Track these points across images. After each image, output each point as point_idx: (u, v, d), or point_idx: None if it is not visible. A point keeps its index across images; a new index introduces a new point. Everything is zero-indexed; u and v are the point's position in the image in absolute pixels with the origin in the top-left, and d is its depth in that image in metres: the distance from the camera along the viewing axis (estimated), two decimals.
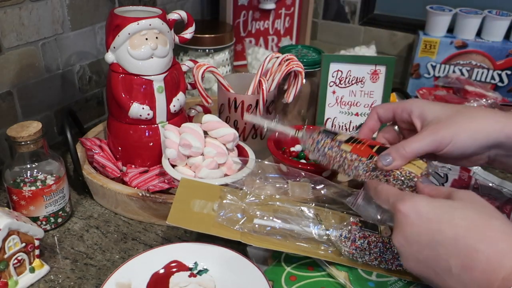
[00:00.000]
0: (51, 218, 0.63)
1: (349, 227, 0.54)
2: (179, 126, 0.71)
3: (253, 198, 0.59)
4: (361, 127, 0.61)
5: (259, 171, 0.63)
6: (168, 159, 0.66)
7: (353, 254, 0.53)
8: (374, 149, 0.54)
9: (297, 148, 0.78)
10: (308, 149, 0.61)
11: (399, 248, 0.45)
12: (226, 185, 0.62)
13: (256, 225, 0.55)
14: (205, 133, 0.67)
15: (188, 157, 0.66)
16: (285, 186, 0.61)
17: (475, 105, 0.89)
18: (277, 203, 0.59)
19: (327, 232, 0.55)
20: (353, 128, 0.83)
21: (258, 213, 0.56)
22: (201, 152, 0.66)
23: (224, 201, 0.58)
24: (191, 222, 0.56)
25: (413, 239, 0.43)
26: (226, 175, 0.66)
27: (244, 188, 0.60)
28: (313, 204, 0.60)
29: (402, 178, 0.51)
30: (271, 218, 0.56)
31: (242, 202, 0.58)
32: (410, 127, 0.57)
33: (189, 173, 0.66)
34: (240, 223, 0.56)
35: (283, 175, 0.64)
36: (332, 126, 0.83)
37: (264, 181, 0.61)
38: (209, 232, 0.55)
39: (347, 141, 0.57)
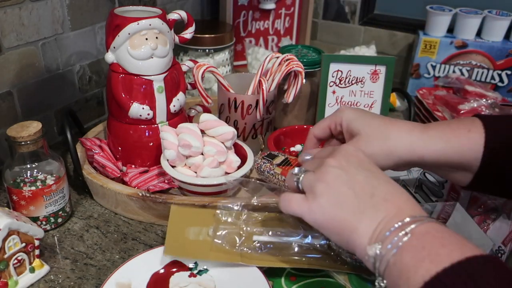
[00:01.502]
0: (51, 218, 0.63)
1: None
2: None
3: (250, 215, 0.58)
4: (301, 151, 0.61)
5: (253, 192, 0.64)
6: (167, 160, 0.66)
7: (356, 260, 0.53)
8: None
9: (297, 148, 0.78)
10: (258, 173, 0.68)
11: (334, 171, 0.45)
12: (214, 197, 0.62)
13: (256, 243, 0.55)
14: (202, 132, 0.67)
15: (187, 157, 0.66)
16: None
17: (475, 105, 0.89)
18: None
19: (328, 241, 0.54)
20: None
21: (256, 229, 0.56)
22: (200, 151, 0.66)
23: (220, 225, 0.57)
24: (188, 251, 0.55)
25: (352, 161, 0.46)
26: (226, 173, 0.67)
27: (237, 207, 0.59)
28: None
29: None
30: (270, 233, 0.55)
31: (239, 221, 0.57)
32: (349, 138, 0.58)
33: (189, 173, 0.66)
34: (239, 243, 0.55)
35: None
36: None
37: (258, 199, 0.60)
38: (208, 258, 0.54)
39: (279, 164, 0.65)
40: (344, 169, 0.45)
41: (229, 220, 0.58)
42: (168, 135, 0.66)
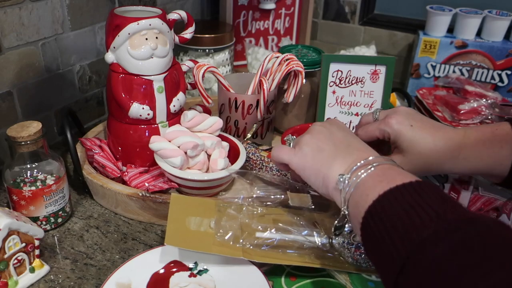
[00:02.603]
0: (51, 218, 0.63)
1: (352, 233, 0.54)
2: None
3: (251, 209, 0.58)
4: None
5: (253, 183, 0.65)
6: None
7: (357, 260, 0.53)
8: None
9: None
10: None
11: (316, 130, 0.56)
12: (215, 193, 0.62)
13: (259, 239, 0.54)
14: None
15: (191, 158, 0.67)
16: (282, 196, 0.61)
17: (475, 105, 0.89)
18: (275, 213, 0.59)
19: (330, 240, 0.54)
20: (352, 128, 0.83)
21: (259, 226, 0.56)
22: (204, 148, 0.67)
23: (222, 218, 0.57)
24: (190, 242, 0.54)
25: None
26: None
27: (239, 200, 0.60)
28: (313, 212, 0.60)
29: None
30: (272, 231, 0.55)
31: (240, 214, 0.57)
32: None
33: (198, 173, 0.67)
34: (241, 239, 0.54)
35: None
36: None
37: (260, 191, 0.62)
38: (210, 251, 0.54)
39: (266, 150, 0.73)
40: (326, 127, 0.55)
41: (232, 212, 0.58)
42: (162, 144, 0.65)
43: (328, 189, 0.50)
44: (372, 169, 0.46)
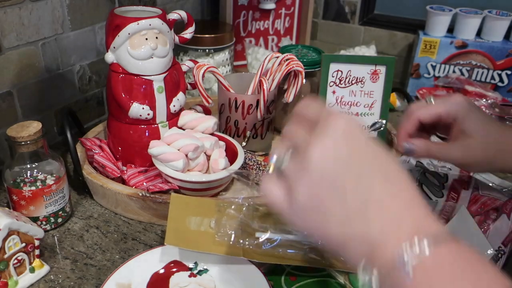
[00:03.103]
0: (51, 218, 0.63)
1: None
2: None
3: (251, 209, 0.58)
4: (399, 131, 0.59)
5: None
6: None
7: None
8: None
9: None
10: None
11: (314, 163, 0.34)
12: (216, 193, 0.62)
13: (259, 239, 0.54)
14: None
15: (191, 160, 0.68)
16: None
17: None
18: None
19: None
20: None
21: (259, 226, 0.56)
22: (203, 149, 0.67)
23: (222, 218, 0.57)
24: (190, 242, 0.55)
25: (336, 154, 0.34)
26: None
27: (239, 200, 0.59)
28: None
29: None
30: (272, 231, 0.55)
31: (240, 214, 0.57)
32: (448, 130, 0.58)
33: (200, 174, 0.67)
34: (241, 239, 0.54)
35: None
36: None
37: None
38: (210, 251, 0.54)
39: (261, 155, 0.73)
40: (331, 160, 0.34)
41: (232, 212, 0.58)
42: (163, 148, 0.65)
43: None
44: (411, 268, 0.30)
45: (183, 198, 0.61)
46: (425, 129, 0.59)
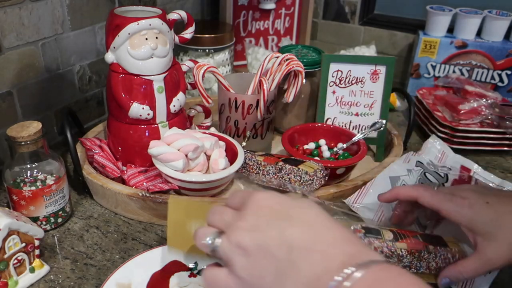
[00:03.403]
0: (51, 218, 0.63)
1: None
2: (179, 126, 0.72)
3: None
4: (393, 214, 0.59)
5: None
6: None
7: None
8: (281, 159, 0.69)
9: (311, 146, 0.79)
10: None
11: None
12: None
13: None
14: None
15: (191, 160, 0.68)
16: None
17: (475, 105, 0.89)
18: None
19: None
20: (353, 128, 0.83)
21: None
22: (203, 149, 0.67)
23: None
24: (192, 247, 0.52)
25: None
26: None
27: None
28: None
29: (301, 174, 0.65)
30: None
31: None
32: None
33: (200, 175, 0.67)
34: None
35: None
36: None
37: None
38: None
39: (261, 155, 0.72)
40: (255, 229, 0.37)
41: None
42: (163, 148, 0.65)
43: None
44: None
45: (182, 201, 0.61)
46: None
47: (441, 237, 0.55)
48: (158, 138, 0.70)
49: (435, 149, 0.76)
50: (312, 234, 0.36)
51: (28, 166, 0.61)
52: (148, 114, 0.69)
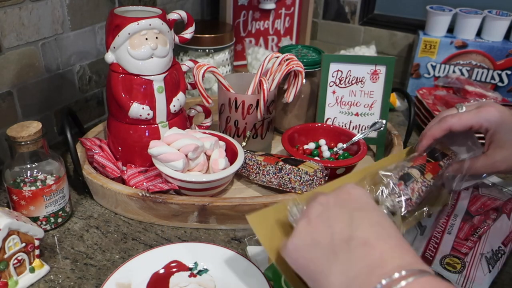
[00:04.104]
0: (51, 218, 0.63)
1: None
2: (179, 126, 0.72)
3: None
4: (426, 133, 0.60)
5: None
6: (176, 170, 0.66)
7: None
8: (281, 159, 0.69)
9: (311, 146, 0.79)
10: None
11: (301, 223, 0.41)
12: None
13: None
14: None
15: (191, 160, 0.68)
16: None
17: None
18: None
19: None
20: (353, 128, 0.83)
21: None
22: (203, 149, 0.67)
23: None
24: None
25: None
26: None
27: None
28: None
29: (301, 174, 0.65)
30: None
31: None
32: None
33: (200, 175, 0.67)
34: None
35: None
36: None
37: None
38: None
39: (261, 155, 0.72)
40: (328, 206, 0.40)
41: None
42: (163, 148, 0.65)
43: None
44: None
45: (259, 214, 0.51)
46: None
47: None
48: (158, 138, 0.70)
49: None
50: (375, 230, 0.37)
51: (28, 166, 0.61)
52: (148, 114, 0.69)
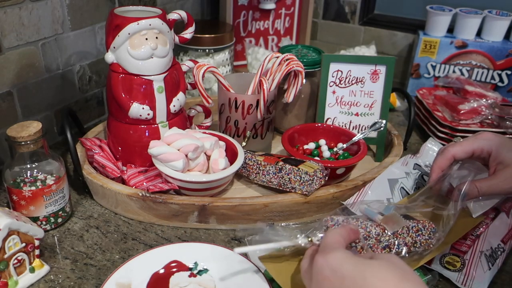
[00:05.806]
0: (51, 218, 0.63)
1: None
2: (179, 126, 0.72)
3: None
4: (433, 166, 0.62)
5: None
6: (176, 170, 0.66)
7: None
8: (281, 159, 0.69)
9: (311, 146, 0.79)
10: None
11: None
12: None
13: None
14: None
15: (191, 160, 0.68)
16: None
17: (475, 105, 0.89)
18: None
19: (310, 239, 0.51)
20: (353, 128, 0.83)
21: None
22: (203, 149, 0.67)
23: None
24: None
25: None
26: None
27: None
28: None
29: (301, 174, 0.65)
30: None
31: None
32: (483, 163, 0.63)
33: (200, 175, 0.67)
34: None
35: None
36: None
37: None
38: None
39: (261, 155, 0.72)
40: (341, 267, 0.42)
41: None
42: (163, 148, 0.65)
43: None
44: None
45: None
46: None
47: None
48: (158, 138, 0.70)
49: (432, 152, 0.76)
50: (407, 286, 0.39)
51: (28, 166, 0.61)
52: (148, 114, 0.69)
